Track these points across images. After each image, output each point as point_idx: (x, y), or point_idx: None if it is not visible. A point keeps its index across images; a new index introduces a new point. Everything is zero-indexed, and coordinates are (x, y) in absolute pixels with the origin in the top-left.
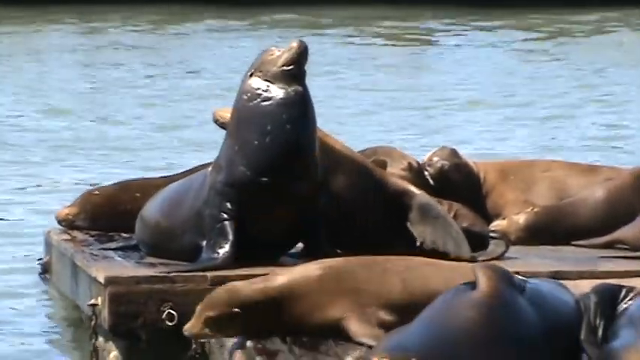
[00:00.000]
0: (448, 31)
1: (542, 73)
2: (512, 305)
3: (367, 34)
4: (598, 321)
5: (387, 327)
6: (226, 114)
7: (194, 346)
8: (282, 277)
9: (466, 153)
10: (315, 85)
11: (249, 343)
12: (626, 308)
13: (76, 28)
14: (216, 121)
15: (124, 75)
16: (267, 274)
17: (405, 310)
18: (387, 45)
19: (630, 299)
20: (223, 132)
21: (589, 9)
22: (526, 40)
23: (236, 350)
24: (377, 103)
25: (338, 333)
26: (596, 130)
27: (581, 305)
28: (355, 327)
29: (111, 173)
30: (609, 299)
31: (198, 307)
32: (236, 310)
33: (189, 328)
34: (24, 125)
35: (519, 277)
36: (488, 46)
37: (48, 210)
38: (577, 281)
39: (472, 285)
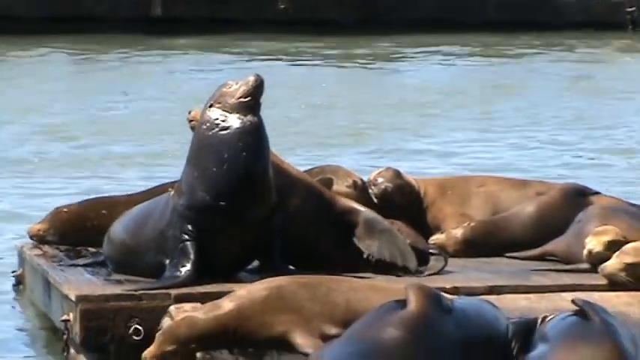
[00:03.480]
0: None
1: None
2: (436, 326)
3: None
4: (515, 345)
5: (329, 340)
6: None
7: None
8: (230, 302)
9: None
10: None
11: (198, 355)
12: (540, 329)
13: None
14: (190, 121)
15: None
16: (226, 290)
17: (347, 326)
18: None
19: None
20: None
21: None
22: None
23: None
24: None
25: (284, 346)
26: None
27: (508, 326)
28: (299, 339)
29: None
30: (525, 329)
31: (159, 337)
32: (193, 345)
33: (149, 356)
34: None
35: (449, 297)
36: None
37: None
38: (501, 296)
39: (402, 303)
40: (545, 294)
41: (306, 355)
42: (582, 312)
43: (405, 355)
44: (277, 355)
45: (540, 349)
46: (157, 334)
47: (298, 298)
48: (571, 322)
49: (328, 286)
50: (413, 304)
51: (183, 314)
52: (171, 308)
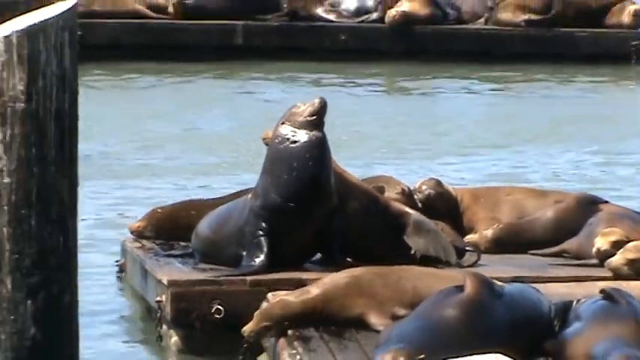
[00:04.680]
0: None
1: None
2: (488, 307)
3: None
4: (556, 323)
5: (399, 319)
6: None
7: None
8: (316, 288)
9: None
10: None
11: (289, 331)
12: (575, 310)
13: None
14: (264, 139)
15: None
16: (293, 277)
17: (414, 308)
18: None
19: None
20: None
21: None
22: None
23: (280, 336)
24: None
25: (360, 325)
26: None
27: (551, 307)
28: (373, 319)
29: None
30: (564, 310)
31: (257, 315)
32: (285, 323)
33: (248, 331)
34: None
35: (499, 283)
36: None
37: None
38: (545, 284)
39: (461, 288)
40: (582, 282)
41: (378, 332)
42: (610, 296)
43: (462, 333)
44: (355, 332)
45: (576, 326)
46: (255, 313)
47: (373, 285)
48: (601, 304)
49: (398, 274)
50: (469, 289)
51: (278, 298)
52: (269, 295)
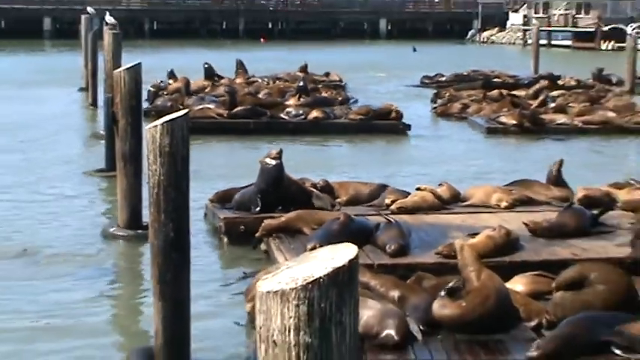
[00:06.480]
0: None
1: None
2: (349, 225)
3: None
4: (374, 232)
5: (315, 230)
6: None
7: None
8: (283, 218)
9: None
10: None
11: (273, 235)
12: (380, 227)
13: None
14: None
15: None
16: (268, 216)
17: (321, 225)
18: None
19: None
20: None
21: None
22: None
23: (269, 237)
24: None
25: (301, 233)
26: None
27: (373, 226)
28: (306, 230)
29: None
30: (377, 227)
31: (260, 229)
32: (272, 231)
33: (257, 235)
34: None
35: (354, 217)
36: None
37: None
38: (371, 217)
39: (339, 218)
40: (381, 216)
41: (307, 235)
42: (389, 221)
43: (338, 236)
44: (299, 236)
45: (379, 233)
46: (260, 228)
47: (305, 217)
48: (387, 225)
49: (315, 213)
50: (342, 219)
51: (267, 222)
52: (265, 221)
